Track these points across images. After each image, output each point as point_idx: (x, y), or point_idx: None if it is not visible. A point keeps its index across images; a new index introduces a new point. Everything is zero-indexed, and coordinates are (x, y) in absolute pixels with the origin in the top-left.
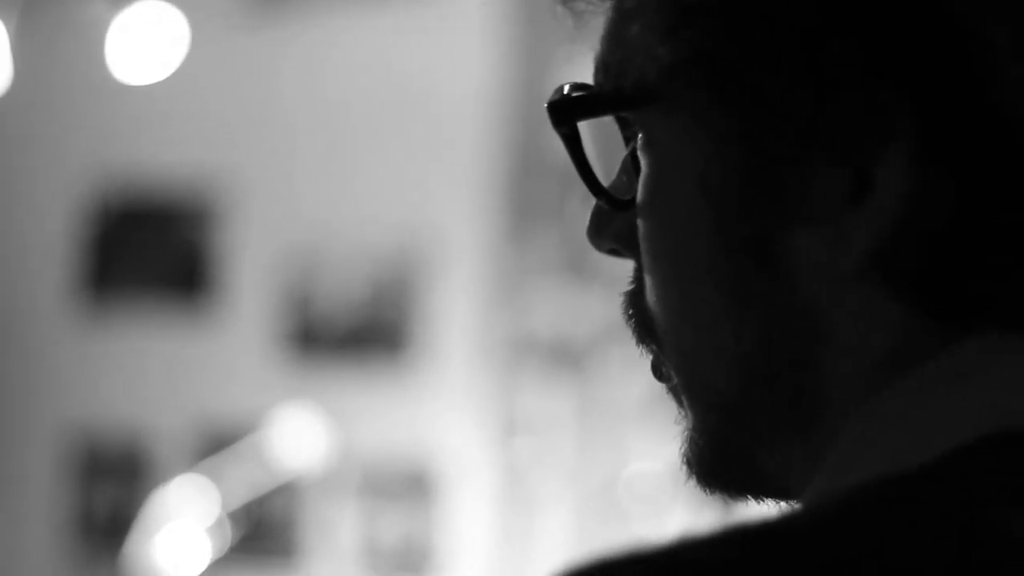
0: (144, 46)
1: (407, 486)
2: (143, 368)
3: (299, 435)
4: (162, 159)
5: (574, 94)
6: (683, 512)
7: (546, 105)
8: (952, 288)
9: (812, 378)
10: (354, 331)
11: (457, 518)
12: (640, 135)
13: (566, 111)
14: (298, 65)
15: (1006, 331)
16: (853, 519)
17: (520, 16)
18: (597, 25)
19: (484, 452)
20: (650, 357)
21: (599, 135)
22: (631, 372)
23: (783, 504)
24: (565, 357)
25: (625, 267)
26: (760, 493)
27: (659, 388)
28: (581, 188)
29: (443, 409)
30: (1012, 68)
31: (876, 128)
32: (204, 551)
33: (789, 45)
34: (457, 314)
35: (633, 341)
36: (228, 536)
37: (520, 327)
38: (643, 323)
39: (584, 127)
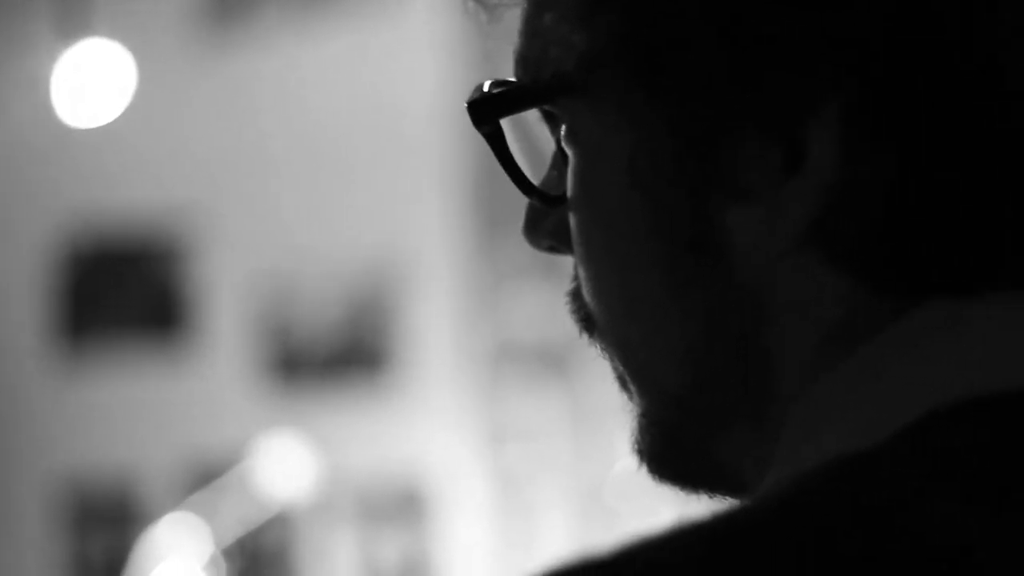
0: (91, 87)
1: (401, 505)
2: (127, 410)
3: (287, 463)
4: (127, 201)
5: (494, 91)
6: (675, 506)
7: (465, 104)
8: (896, 258)
9: (761, 363)
10: (334, 354)
11: (454, 532)
12: (564, 127)
13: (486, 109)
14: (254, 94)
15: (956, 299)
16: (795, 512)
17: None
18: (513, 18)
19: (475, 463)
20: (602, 352)
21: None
22: None
23: (741, 496)
24: (548, 360)
25: None
26: (715, 487)
27: None
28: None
29: (431, 424)
30: (957, 27)
31: (804, 94)
32: None
33: (707, 19)
34: (436, 328)
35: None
36: (223, 572)
37: (501, 335)
38: (586, 319)
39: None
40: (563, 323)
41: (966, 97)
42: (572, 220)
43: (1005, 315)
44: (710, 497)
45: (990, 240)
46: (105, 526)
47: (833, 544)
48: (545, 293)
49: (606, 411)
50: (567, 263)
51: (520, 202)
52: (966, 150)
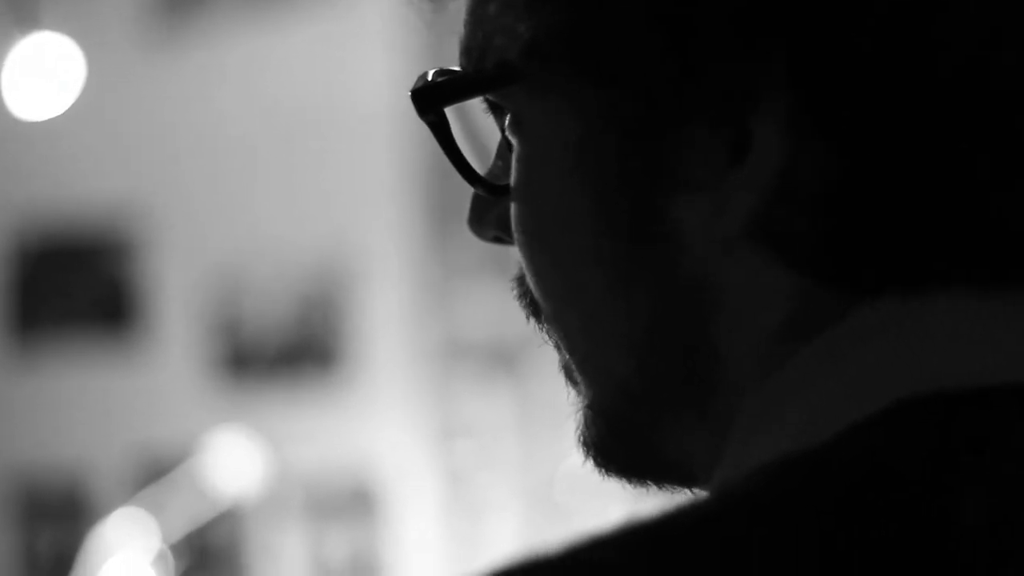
0: (40, 80)
1: (351, 502)
2: (76, 405)
3: (236, 459)
4: (76, 195)
5: (438, 80)
6: (624, 503)
7: (409, 93)
8: (844, 253)
9: (707, 357)
10: (284, 350)
11: (404, 529)
12: (508, 116)
13: (430, 97)
14: (204, 89)
15: (906, 296)
16: (738, 513)
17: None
18: (458, 9)
19: (425, 460)
20: (549, 338)
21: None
22: None
23: (688, 490)
24: (499, 357)
25: None
26: (662, 479)
27: None
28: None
29: (381, 421)
30: (898, 25)
31: (747, 85)
32: None
33: (650, 8)
34: (386, 324)
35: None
36: (172, 568)
37: (451, 332)
38: (532, 304)
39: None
40: (514, 320)
41: (917, 90)
42: (515, 208)
43: (956, 313)
44: (658, 489)
45: (943, 236)
46: (53, 521)
47: (776, 547)
48: (496, 290)
49: (556, 408)
50: (518, 258)
51: (469, 200)
52: (918, 143)
